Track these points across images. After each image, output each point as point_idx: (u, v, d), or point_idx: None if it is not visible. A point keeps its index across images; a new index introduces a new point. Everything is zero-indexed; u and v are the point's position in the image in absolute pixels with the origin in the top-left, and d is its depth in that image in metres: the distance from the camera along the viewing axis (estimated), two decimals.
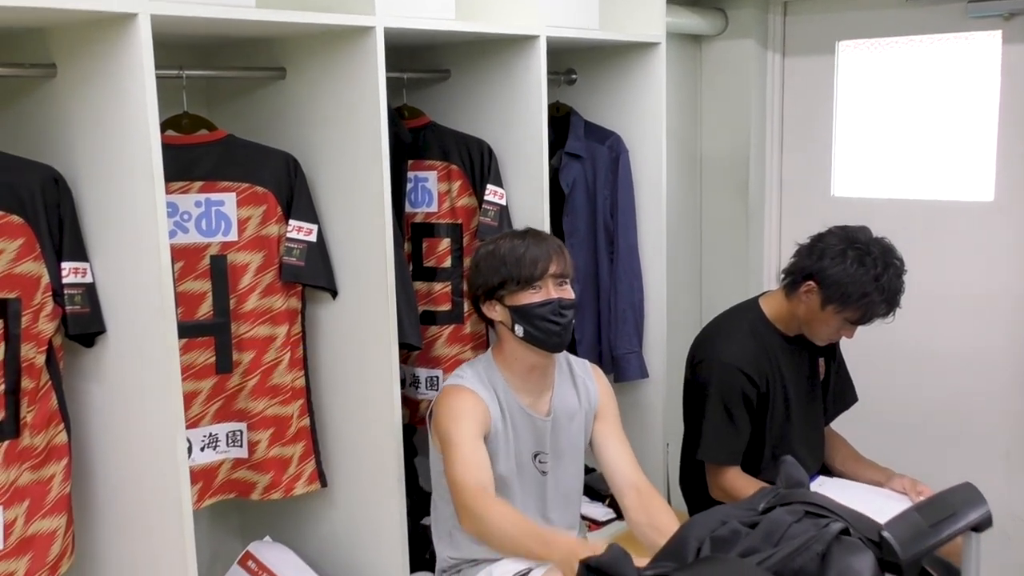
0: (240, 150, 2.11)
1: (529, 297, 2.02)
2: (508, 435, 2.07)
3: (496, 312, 2.07)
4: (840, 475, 2.53)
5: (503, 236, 2.12)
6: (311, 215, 2.14)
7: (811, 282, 2.27)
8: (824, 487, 2.43)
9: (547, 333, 2.02)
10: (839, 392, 2.57)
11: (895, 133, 3.23)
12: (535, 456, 2.11)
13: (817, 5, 3.28)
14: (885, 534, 1.20)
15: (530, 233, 2.10)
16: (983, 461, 3.10)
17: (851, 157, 3.34)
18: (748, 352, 2.35)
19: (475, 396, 2.04)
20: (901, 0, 3.06)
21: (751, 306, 2.47)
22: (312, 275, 2.14)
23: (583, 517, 2.75)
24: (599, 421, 2.20)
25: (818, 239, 2.32)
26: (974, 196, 3.08)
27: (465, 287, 2.33)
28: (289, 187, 2.12)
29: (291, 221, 2.12)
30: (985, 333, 3.05)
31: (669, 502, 3.06)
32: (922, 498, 2.34)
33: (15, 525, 1.75)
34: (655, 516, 2.05)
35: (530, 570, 1.99)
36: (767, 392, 2.35)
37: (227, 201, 2.08)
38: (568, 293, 2.06)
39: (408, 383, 2.59)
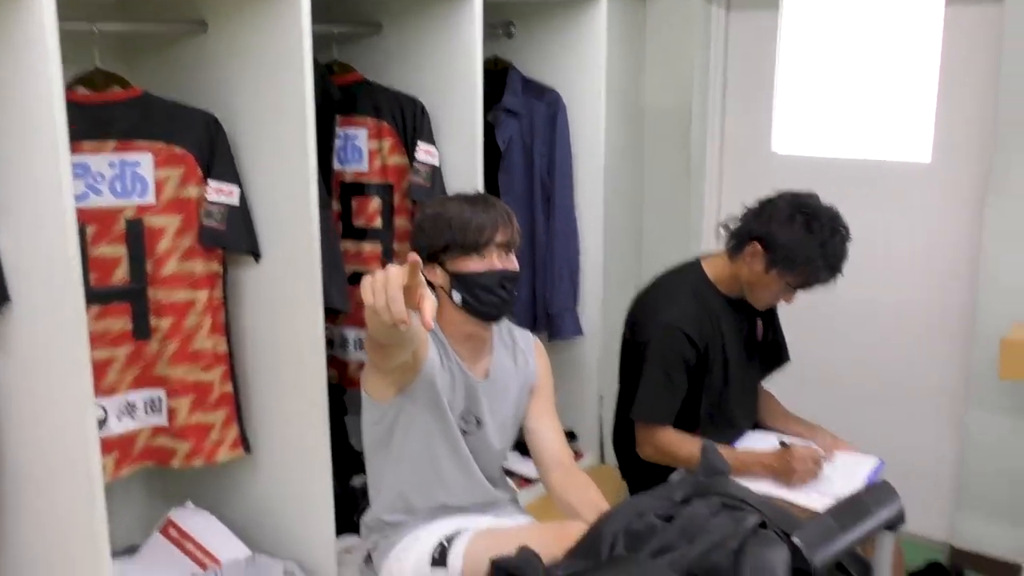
0: (157, 108, 2.02)
1: (472, 265, 1.96)
2: (444, 380, 2.02)
3: (437, 276, 2.01)
4: (768, 430, 2.55)
5: (451, 198, 2.06)
6: (232, 176, 2.07)
7: (757, 244, 2.26)
8: (747, 438, 2.47)
9: (486, 304, 1.97)
10: (774, 352, 2.59)
11: (837, 92, 3.21)
12: (461, 415, 2.08)
13: None
14: (795, 539, 1.19)
15: (480, 199, 2.03)
16: (913, 406, 3.17)
17: (793, 114, 3.31)
18: (689, 313, 2.34)
19: (426, 344, 1.97)
20: None
21: (693, 267, 2.46)
22: (234, 239, 2.08)
23: (512, 474, 2.78)
24: (534, 397, 2.18)
25: (767, 202, 2.31)
26: (912, 157, 3.08)
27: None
28: (209, 147, 2.04)
29: (211, 182, 2.05)
30: (917, 288, 3.09)
31: (602, 456, 3.10)
32: (840, 453, 2.40)
33: None
34: (580, 492, 2.04)
35: (458, 533, 1.99)
36: (706, 353, 2.36)
37: (143, 162, 2.00)
38: (513, 264, 2.01)
39: (337, 344, 2.55)
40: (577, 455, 2.97)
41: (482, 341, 2.08)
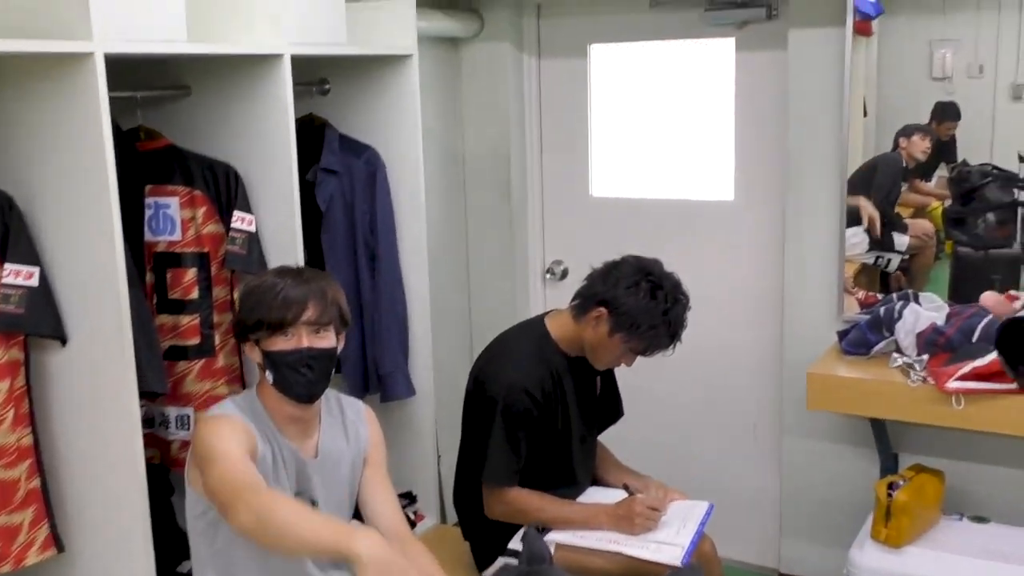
0: None
1: (280, 343, 1.91)
2: (276, 468, 1.95)
3: (255, 354, 1.96)
4: (603, 482, 2.60)
5: (268, 273, 2.01)
6: (30, 256, 1.93)
7: (602, 308, 2.30)
8: (588, 494, 2.52)
9: (295, 384, 1.92)
10: (610, 409, 2.65)
11: (646, 134, 3.34)
12: (296, 496, 2.01)
13: (569, 8, 3.33)
14: None
15: (296, 273, 1.97)
16: (735, 441, 3.32)
17: (607, 158, 3.43)
18: (532, 372, 2.35)
19: (239, 420, 1.91)
20: (646, 6, 3.15)
21: (536, 325, 2.47)
22: (34, 323, 1.94)
23: None
24: (367, 468, 2.13)
25: (613, 266, 2.35)
26: (717, 195, 3.25)
27: None
28: (3, 227, 1.90)
29: (6, 265, 1.90)
30: (731, 325, 3.25)
31: (443, 517, 3.07)
32: (674, 499, 2.47)
33: None
34: (418, 563, 2.00)
35: None
36: (548, 411, 2.38)
37: None
38: (324, 341, 1.94)
39: (157, 423, 2.41)
40: (417, 517, 2.93)
41: (307, 420, 2.03)
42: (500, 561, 2.37)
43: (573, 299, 2.40)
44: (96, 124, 1.86)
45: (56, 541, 2.04)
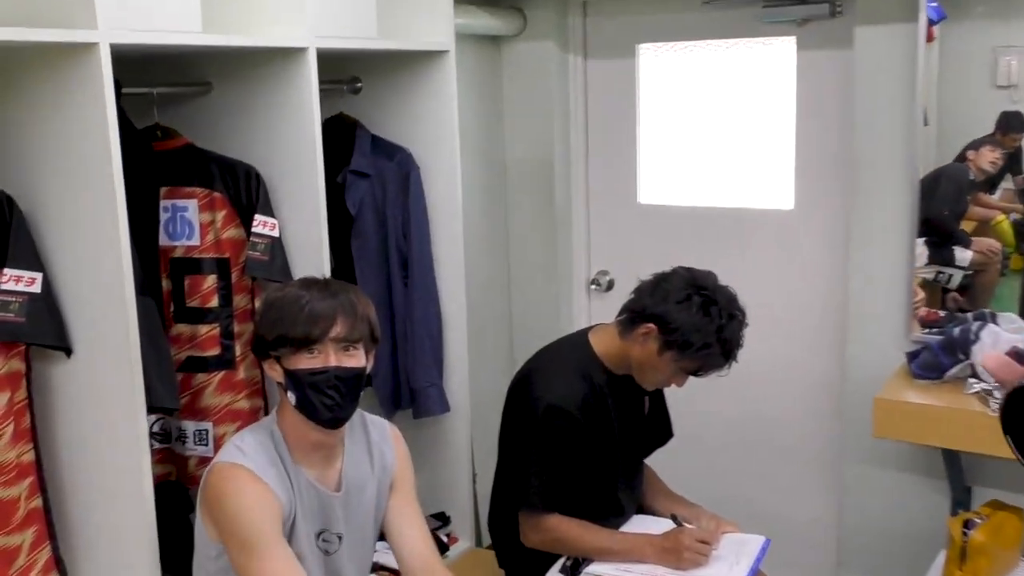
0: None
1: (304, 362, 1.74)
2: (297, 518, 1.80)
3: (276, 372, 1.78)
4: (651, 511, 2.42)
5: (292, 285, 1.84)
6: (31, 262, 1.81)
7: (651, 324, 2.12)
8: (633, 523, 2.35)
9: (319, 407, 1.75)
10: (659, 430, 2.46)
11: (698, 139, 3.16)
12: (319, 535, 1.86)
13: (617, 6, 3.16)
14: None
15: (322, 285, 1.80)
16: (791, 468, 3.11)
17: (656, 163, 3.25)
18: (575, 391, 2.18)
19: (266, 489, 1.74)
20: (698, 3, 2.97)
21: (579, 342, 2.29)
22: (35, 333, 1.81)
23: (383, 567, 2.55)
24: (394, 493, 1.96)
25: (663, 279, 2.16)
26: (776, 204, 3.05)
27: None
28: (3, 229, 1.78)
29: (6, 270, 1.78)
30: (790, 343, 3.04)
31: (479, 539, 2.90)
32: (727, 532, 2.29)
33: None
34: None
35: None
36: (591, 434, 2.20)
37: None
38: (353, 360, 1.77)
39: (174, 437, 2.29)
40: (451, 540, 2.78)
41: (330, 445, 1.86)
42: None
43: (619, 313, 2.22)
44: (101, 119, 1.73)
45: (58, 565, 1.91)
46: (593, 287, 3.37)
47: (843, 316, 2.88)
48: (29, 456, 1.86)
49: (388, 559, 2.56)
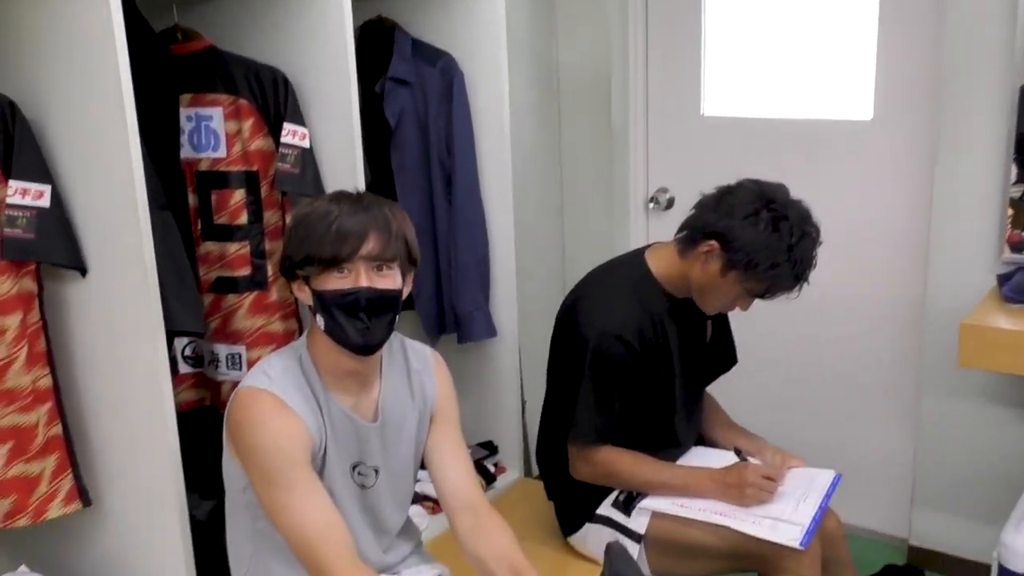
0: None
1: (333, 282, 1.59)
2: (328, 450, 1.69)
3: (304, 294, 1.65)
4: (711, 443, 2.28)
5: (321, 199, 1.68)
6: (39, 173, 1.68)
7: (714, 242, 1.94)
8: (692, 455, 2.21)
9: (348, 331, 1.61)
10: (722, 356, 2.30)
11: (768, 44, 2.91)
12: (354, 468, 1.74)
13: None
14: None
15: (354, 199, 1.64)
16: (864, 399, 2.93)
17: (721, 72, 3.01)
18: (630, 317, 2.02)
19: (294, 417, 1.62)
20: None
21: (635, 261, 2.13)
22: (46, 250, 1.70)
23: (425, 497, 2.46)
24: (435, 426, 1.83)
25: (728, 192, 1.97)
26: (853, 114, 2.80)
27: None
28: (5, 138, 1.65)
29: (10, 182, 1.66)
30: (866, 265, 2.82)
31: (527, 469, 2.79)
32: (793, 467, 2.14)
33: None
34: (492, 543, 1.73)
35: None
36: (647, 361, 2.05)
37: None
38: (387, 281, 1.62)
39: (207, 361, 2.18)
40: (498, 470, 2.67)
41: (365, 373, 1.72)
42: (590, 527, 2.08)
43: (679, 230, 2.04)
44: (107, 17, 1.58)
45: (81, 494, 1.83)
46: (651, 205, 3.17)
47: (926, 236, 2.65)
48: (46, 381, 1.77)
49: (430, 489, 2.47)
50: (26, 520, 1.77)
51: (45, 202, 1.68)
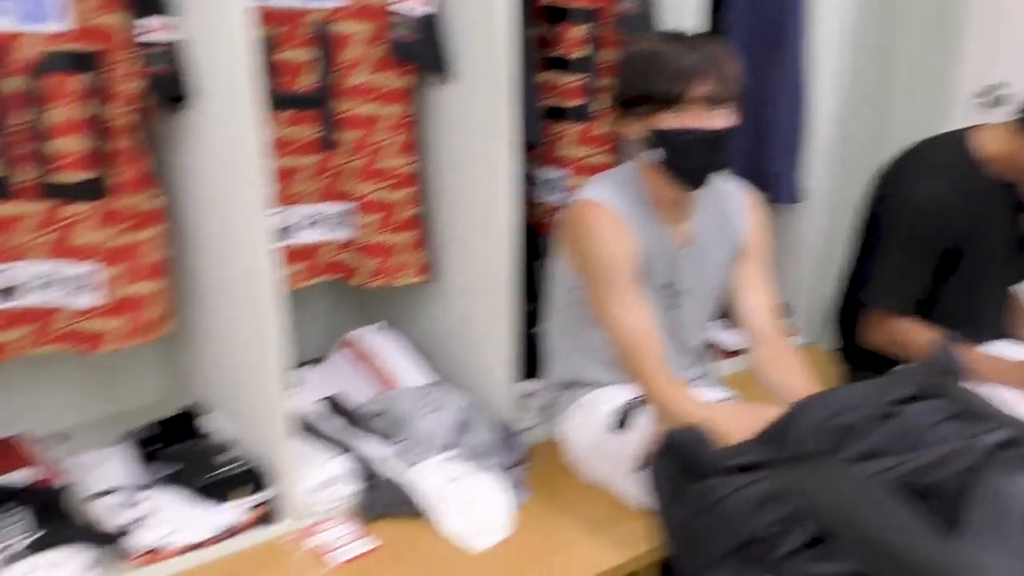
0: None
1: (669, 120, 1.69)
2: (650, 262, 1.85)
3: (635, 129, 1.78)
4: (1019, 340, 2.20)
5: (654, 37, 1.79)
6: None
7: None
8: (996, 347, 2.13)
9: (684, 168, 1.73)
10: None
11: None
12: (665, 287, 1.91)
13: None
14: None
15: (687, 39, 1.71)
16: None
17: None
18: (946, 193, 2.00)
19: (628, 232, 1.79)
20: None
21: (958, 139, 2.08)
22: (425, 54, 1.94)
23: (714, 345, 2.59)
24: (743, 261, 1.95)
25: None
26: None
27: None
28: None
29: None
30: None
31: (818, 337, 2.82)
32: None
33: (113, 285, 1.76)
34: (785, 374, 1.83)
35: (640, 399, 1.85)
36: (960, 243, 2.03)
37: None
38: (721, 120, 1.68)
39: (528, 182, 2.41)
40: (790, 333, 2.74)
41: (685, 203, 1.86)
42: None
43: (1020, 110, 1.96)
44: None
45: (431, 267, 2.14)
46: (981, 102, 2.98)
47: None
48: (412, 167, 2.05)
49: (720, 337, 2.61)
50: (382, 281, 2.10)
51: (430, 8, 1.91)
